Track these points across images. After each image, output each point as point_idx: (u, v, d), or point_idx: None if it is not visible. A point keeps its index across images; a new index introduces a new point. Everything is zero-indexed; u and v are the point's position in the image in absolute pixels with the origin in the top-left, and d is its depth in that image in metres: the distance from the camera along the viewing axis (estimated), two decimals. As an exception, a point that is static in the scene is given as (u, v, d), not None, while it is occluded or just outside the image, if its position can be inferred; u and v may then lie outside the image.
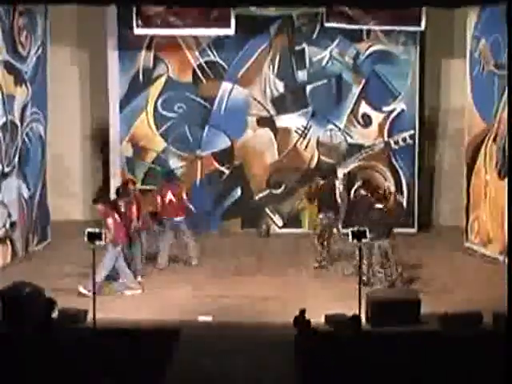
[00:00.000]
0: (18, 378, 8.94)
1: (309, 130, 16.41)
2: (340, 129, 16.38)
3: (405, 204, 16.28)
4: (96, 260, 11.33)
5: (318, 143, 16.42)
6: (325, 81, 16.29)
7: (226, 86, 16.27)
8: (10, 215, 14.15)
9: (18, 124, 14.35)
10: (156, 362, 9.58)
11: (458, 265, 14.09)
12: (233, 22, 15.40)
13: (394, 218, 13.25)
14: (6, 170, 14.06)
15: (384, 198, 13.27)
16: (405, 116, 16.35)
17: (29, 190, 14.75)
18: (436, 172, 16.97)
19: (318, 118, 16.37)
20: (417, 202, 16.40)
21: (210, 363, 9.71)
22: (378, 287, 12.40)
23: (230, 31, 15.53)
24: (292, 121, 16.43)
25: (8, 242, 14.13)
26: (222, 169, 16.51)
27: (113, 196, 14.24)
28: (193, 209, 14.50)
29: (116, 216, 12.54)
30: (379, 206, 12.79)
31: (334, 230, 13.85)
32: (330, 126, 16.38)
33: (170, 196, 13.73)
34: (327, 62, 16.25)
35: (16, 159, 14.32)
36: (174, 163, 16.39)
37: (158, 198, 13.78)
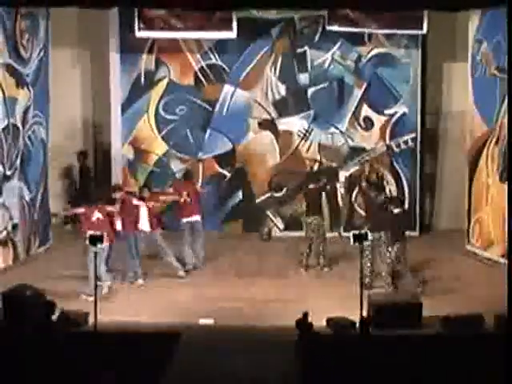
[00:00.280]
0: (18, 378, 9.01)
1: (310, 133, 16.42)
2: (342, 132, 16.39)
3: (406, 206, 16.28)
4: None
5: (320, 146, 16.43)
6: (326, 84, 16.31)
7: (227, 88, 16.29)
8: (11, 217, 14.17)
9: (20, 127, 14.37)
10: (156, 364, 9.58)
11: (460, 267, 14.10)
12: (235, 25, 15.41)
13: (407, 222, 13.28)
14: (8, 172, 14.09)
15: (400, 202, 13.22)
16: (406, 119, 16.37)
17: (30, 192, 14.76)
18: (437, 175, 16.97)
19: (320, 121, 16.38)
20: (418, 205, 16.41)
21: (210, 366, 9.72)
22: (378, 290, 12.43)
23: (232, 34, 15.54)
24: (294, 124, 16.44)
25: (10, 245, 14.16)
26: (224, 172, 16.52)
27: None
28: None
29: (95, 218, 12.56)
30: (397, 210, 12.74)
31: (321, 233, 13.88)
32: (332, 129, 16.40)
33: (186, 196, 13.77)
34: (329, 65, 16.28)
35: (18, 162, 14.34)
36: (176, 166, 16.41)
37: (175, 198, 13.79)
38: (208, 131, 16.39)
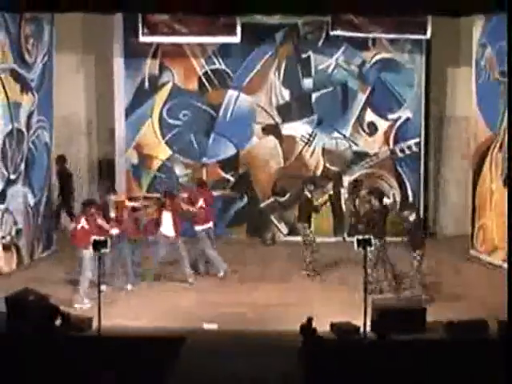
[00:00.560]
0: (21, 381, 9.09)
1: (314, 138, 16.46)
2: (345, 136, 16.44)
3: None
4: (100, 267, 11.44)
5: (324, 151, 16.49)
6: (330, 89, 16.37)
7: (231, 93, 16.35)
8: (15, 222, 14.25)
9: (24, 131, 14.46)
10: (159, 369, 9.60)
11: (464, 273, 14.12)
12: (239, 30, 15.49)
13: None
14: (12, 177, 14.17)
15: (416, 209, 13.22)
16: (410, 124, 16.42)
17: (34, 197, 14.83)
18: (441, 180, 16.98)
19: (324, 126, 16.43)
20: (423, 210, 16.41)
21: (214, 370, 9.74)
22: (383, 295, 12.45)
23: (236, 39, 15.63)
24: (297, 128, 16.49)
25: (14, 249, 14.23)
26: (228, 176, 16.56)
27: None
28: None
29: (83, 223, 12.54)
30: (412, 217, 12.71)
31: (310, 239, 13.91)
32: (336, 134, 16.44)
33: (201, 203, 13.82)
34: (333, 70, 16.33)
35: (22, 166, 14.42)
36: (179, 171, 16.46)
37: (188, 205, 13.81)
38: (212, 136, 16.45)
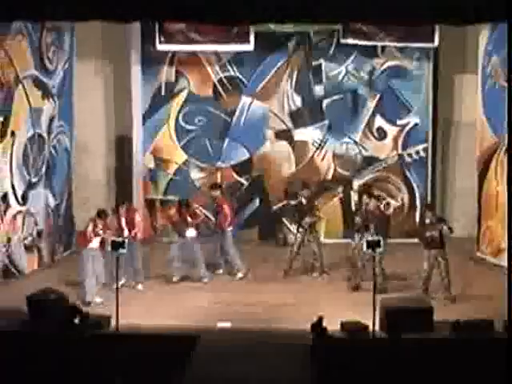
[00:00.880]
0: (42, 379, 9.29)
1: (325, 143, 16.71)
2: (355, 142, 16.68)
3: (418, 215, 16.58)
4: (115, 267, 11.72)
5: (334, 156, 16.72)
6: (341, 95, 16.60)
7: (245, 100, 16.60)
8: (37, 224, 14.53)
9: (45, 136, 14.76)
10: (175, 367, 9.74)
11: (470, 274, 14.20)
12: (252, 38, 15.76)
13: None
14: (34, 180, 14.46)
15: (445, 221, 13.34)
16: (418, 130, 16.63)
17: (55, 199, 15.13)
18: (448, 184, 17.16)
19: (334, 132, 16.66)
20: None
21: (227, 368, 9.88)
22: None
23: (250, 47, 15.89)
24: (309, 134, 16.72)
25: (35, 250, 14.51)
26: (241, 180, 16.85)
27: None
28: (212, 219, 14.75)
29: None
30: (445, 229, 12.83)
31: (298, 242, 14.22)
32: (346, 139, 16.68)
33: (226, 209, 14.17)
34: (343, 78, 16.57)
35: (43, 170, 14.72)
36: (195, 174, 16.77)
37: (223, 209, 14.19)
38: (226, 141, 16.69)
